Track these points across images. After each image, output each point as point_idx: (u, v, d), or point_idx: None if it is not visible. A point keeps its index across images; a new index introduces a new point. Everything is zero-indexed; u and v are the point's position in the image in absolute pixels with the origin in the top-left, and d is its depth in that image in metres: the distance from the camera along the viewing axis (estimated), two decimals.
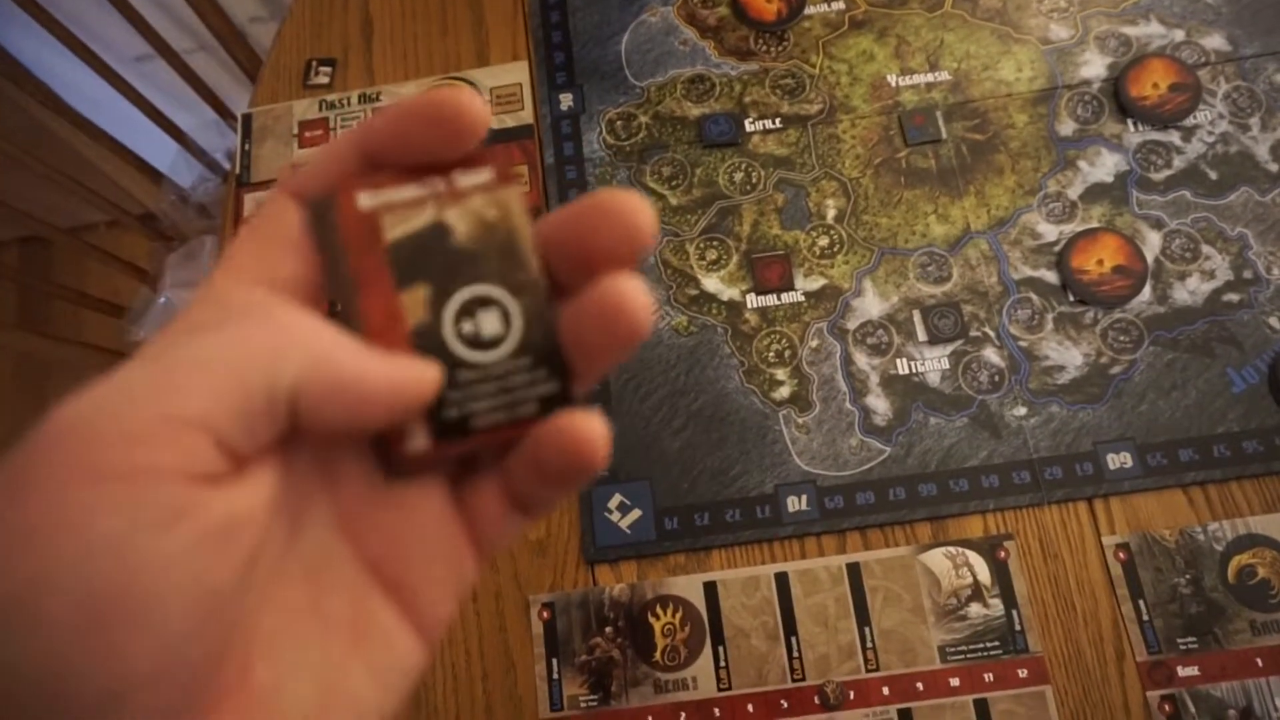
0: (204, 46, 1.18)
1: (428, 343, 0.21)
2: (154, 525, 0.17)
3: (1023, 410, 0.62)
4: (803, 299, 0.65)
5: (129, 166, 1.05)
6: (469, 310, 0.22)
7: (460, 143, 0.21)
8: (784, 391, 0.63)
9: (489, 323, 0.22)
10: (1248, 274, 0.63)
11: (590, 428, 0.21)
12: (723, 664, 0.58)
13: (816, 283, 0.66)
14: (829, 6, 0.74)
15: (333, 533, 0.22)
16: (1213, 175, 0.66)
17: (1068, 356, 0.62)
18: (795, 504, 0.61)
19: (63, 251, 1.63)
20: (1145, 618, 0.57)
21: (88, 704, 0.16)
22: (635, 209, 0.21)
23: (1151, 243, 0.65)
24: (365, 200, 0.21)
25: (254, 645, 0.19)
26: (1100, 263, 0.64)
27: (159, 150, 1.06)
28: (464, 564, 0.23)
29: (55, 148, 1.24)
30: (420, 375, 0.20)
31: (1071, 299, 0.64)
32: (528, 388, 0.22)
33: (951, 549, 0.59)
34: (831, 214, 0.67)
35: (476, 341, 0.22)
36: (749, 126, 0.70)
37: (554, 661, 0.59)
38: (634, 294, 0.21)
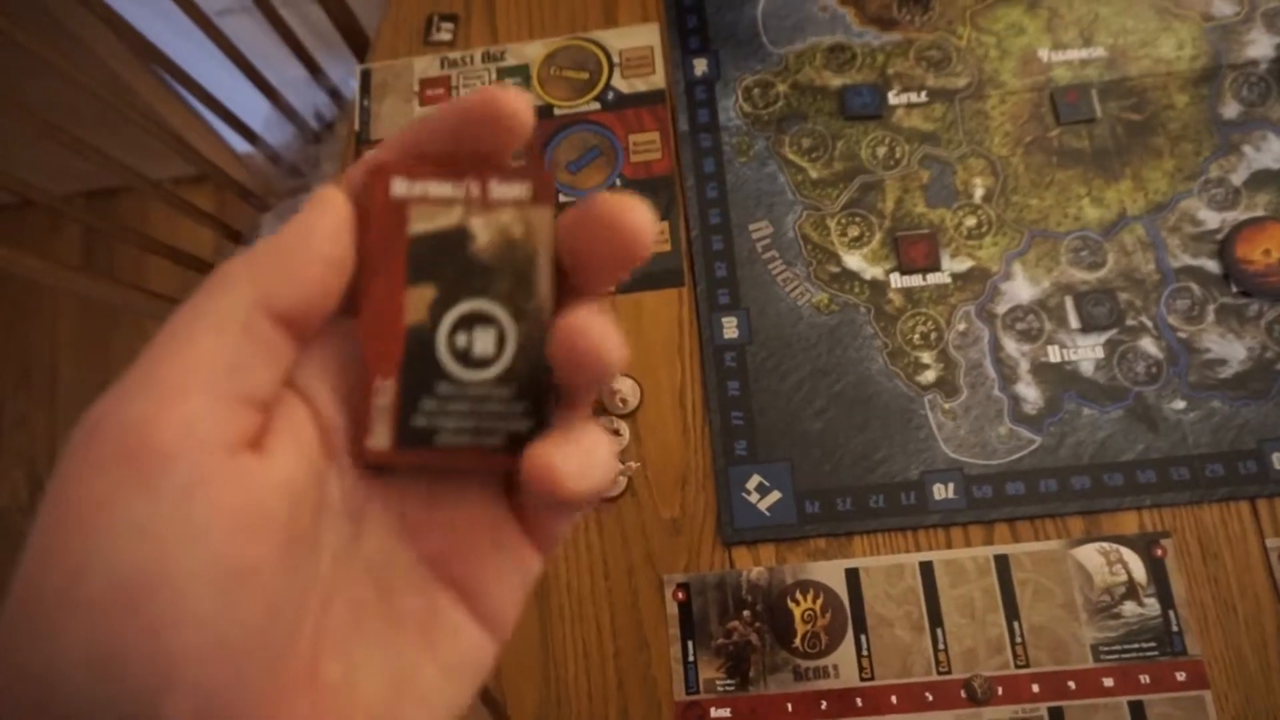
0: (289, 1, 1.16)
1: (418, 345, 0.21)
2: (174, 500, 0.17)
3: (1181, 404, 0.59)
4: (949, 280, 0.63)
5: (219, 122, 1.04)
6: (467, 323, 0.22)
7: (508, 139, 0.22)
8: (929, 375, 0.61)
9: (483, 341, 0.22)
10: None
11: (632, 205, 0.21)
12: (865, 653, 0.57)
13: (964, 264, 0.63)
14: None
15: (393, 532, 0.22)
16: None
17: (1230, 350, 0.60)
18: (941, 492, 0.59)
19: (132, 203, 1.63)
20: None
21: (137, 684, 0.16)
22: (634, 217, 0.21)
23: None
24: (399, 187, 0.21)
25: (323, 641, 0.20)
26: (1267, 253, 0.61)
27: (249, 108, 1.04)
28: (525, 561, 0.23)
29: (137, 98, 1.23)
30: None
31: (1234, 290, 0.61)
32: (499, 419, 0.21)
33: (1105, 545, 0.57)
34: (979, 193, 0.65)
35: (466, 357, 0.21)
36: (892, 99, 0.68)
37: (689, 643, 0.58)
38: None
